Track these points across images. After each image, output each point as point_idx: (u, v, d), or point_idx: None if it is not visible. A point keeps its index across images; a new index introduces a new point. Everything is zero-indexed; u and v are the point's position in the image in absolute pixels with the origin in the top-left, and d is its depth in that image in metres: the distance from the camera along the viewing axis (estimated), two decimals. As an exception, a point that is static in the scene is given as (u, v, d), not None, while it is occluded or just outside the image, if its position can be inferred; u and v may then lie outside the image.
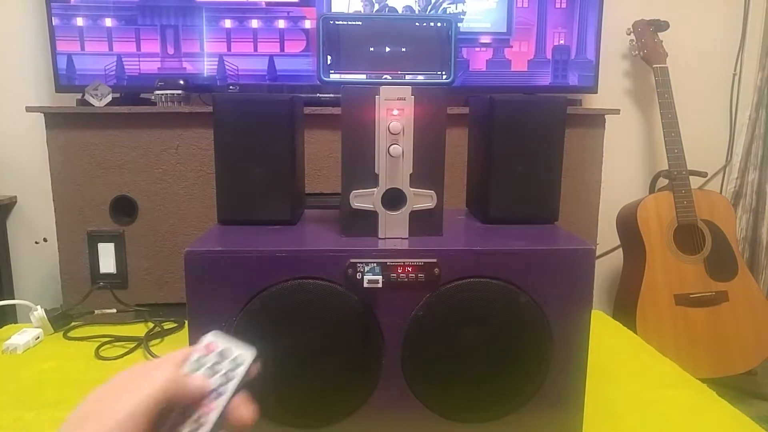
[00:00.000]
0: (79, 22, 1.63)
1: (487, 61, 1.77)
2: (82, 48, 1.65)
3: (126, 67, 1.66)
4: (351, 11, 1.66)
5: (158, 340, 1.11)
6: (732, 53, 2.08)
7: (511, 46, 1.76)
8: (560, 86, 1.80)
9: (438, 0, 1.65)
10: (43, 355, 1.04)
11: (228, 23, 1.67)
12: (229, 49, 1.68)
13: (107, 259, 1.57)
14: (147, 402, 0.40)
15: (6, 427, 0.80)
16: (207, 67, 1.68)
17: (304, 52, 1.69)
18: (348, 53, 0.75)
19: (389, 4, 1.67)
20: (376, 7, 1.64)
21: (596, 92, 1.83)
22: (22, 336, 1.08)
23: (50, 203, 1.55)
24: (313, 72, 1.70)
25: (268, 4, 1.67)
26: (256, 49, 1.69)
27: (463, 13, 1.72)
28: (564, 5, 1.76)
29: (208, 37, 1.67)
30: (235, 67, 1.68)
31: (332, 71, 0.75)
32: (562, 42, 1.78)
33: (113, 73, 1.65)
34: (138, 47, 1.66)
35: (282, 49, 1.69)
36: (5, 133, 1.85)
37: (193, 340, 0.71)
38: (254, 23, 1.67)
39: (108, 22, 1.64)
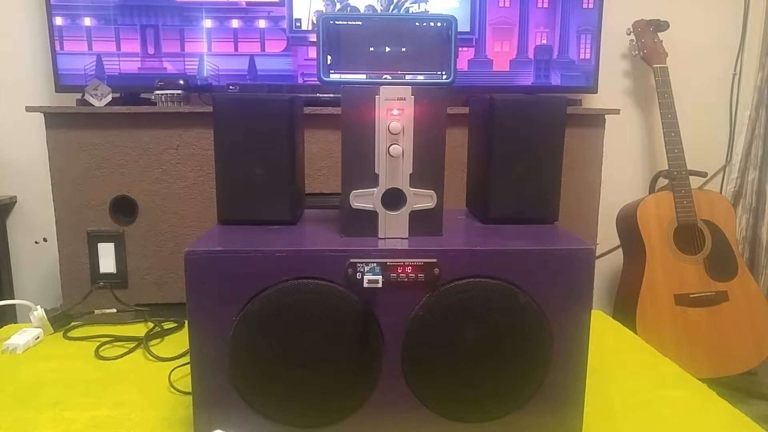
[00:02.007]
0: (58, 21, 1.63)
1: (468, 60, 1.76)
2: (61, 47, 1.64)
3: (106, 66, 1.65)
4: (312, 11, 1.65)
5: (158, 340, 1.11)
6: (732, 53, 2.08)
7: (481, 45, 1.75)
8: (562, 87, 1.80)
9: (401, 0, 1.64)
10: (43, 355, 1.04)
11: (208, 23, 1.66)
12: (209, 48, 1.68)
13: (107, 259, 1.56)
14: None
15: (6, 427, 0.80)
16: (188, 67, 1.67)
17: (285, 51, 1.69)
18: (348, 53, 0.75)
19: (351, 4, 1.66)
20: (338, 6, 1.63)
21: (596, 92, 1.83)
22: (22, 336, 1.08)
23: (50, 203, 1.55)
24: (293, 72, 1.70)
25: (248, 3, 1.66)
26: (236, 49, 1.68)
27: (426, 12, 1.71)
28: (546, 5, 1.76)
29: (189, 37, 1.66)
30: (216, 67, 1.68)
31: (332, 71, 0.75)
32: (544, 42, 1.77)
33: (92, 72, 1.65)
34: (118, 47, 1.65)
35: (263, 48, 1.69)
36: (5, 133, 1.85)
37: (193, 339, 0.71)
38: (235, 23, 1.67)
39: (87, 21, 1.63)
